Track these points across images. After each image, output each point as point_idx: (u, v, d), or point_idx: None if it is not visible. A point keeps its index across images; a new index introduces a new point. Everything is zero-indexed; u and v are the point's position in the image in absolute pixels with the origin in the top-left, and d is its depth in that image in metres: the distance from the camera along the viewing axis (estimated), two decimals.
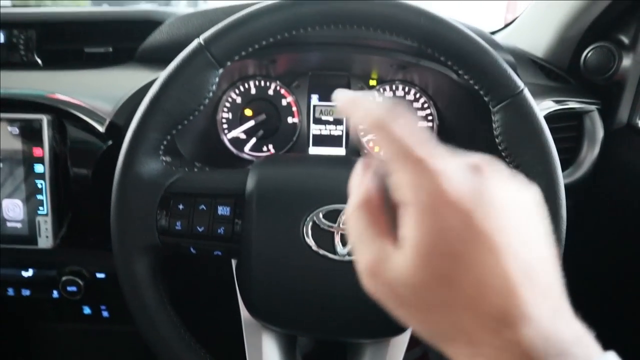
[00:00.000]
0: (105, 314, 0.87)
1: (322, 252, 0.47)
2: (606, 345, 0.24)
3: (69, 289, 0.73)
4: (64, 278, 0.74)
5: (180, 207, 0.49)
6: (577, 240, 0.79)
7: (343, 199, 0.48)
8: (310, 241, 0.47)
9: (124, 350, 0.99)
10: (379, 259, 0.26)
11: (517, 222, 0.25)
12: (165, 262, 0.52)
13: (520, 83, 0.49)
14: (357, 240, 0.28)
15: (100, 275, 0.75)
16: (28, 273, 0.76)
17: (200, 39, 0.48)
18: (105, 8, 0.74)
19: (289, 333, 0.54)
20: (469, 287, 0.23)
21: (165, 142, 0.49)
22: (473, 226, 0.24)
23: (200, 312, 0.55)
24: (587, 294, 0.89)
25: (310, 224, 0.47)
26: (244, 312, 0.53)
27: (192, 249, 0.50)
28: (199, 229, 0.49)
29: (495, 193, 0.25)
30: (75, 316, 0.88)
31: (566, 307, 0.25)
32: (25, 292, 0.77)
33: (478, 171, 0.26)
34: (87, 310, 0.88)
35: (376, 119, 0.27)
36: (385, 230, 0.27)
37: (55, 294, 0.76)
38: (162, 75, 0.48)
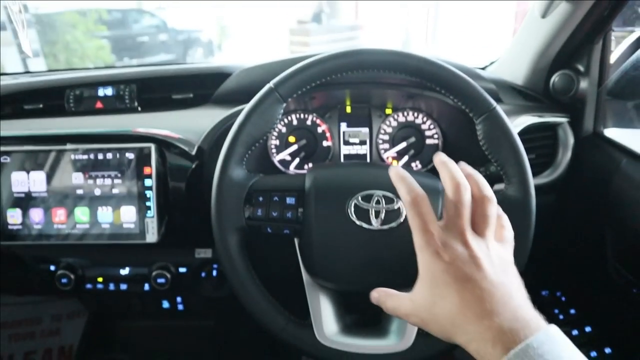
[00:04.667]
0: (180, 307, 1.07)
1: (360, 223, 0.65)
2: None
3: (159, 280, 0.92)
4: (154, 273, 0.92)
5: (260, 199, 0.68)
6: (557, 227, 0.97)
7: (373, 186, 0.67)
8: (353, 217, 0.65)
9: (195, 343, 1.17)
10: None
11: (499, 265, 0.45)
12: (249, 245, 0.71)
13: (492, 102, 0.67)
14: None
15: (182, 270, 0.95)
16: (125, 271, 0.95)
17: (271, 84, 0.69)
18: (185, 64, 0.97)
19: (340, 289, 0.72)
20: (466, 302, 0.42)
21: (247, 156, 0.70)
22: (468, 269, 0.43)
23: (273, 279, 0.74)
24: (561, 270, 1.06)
25: (353, 205, 0.66)
26: (305, 277, 0.70)
27: (268, 229, 0.69)
28: (273, 214, 0.68)
29: (489, 252, 0.46)
30: (156, 310, 1.07)
31: (526, 302, 0.43)
32: (123, 287, 0.95)
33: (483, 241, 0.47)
34: (165, 304, 1.07)
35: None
36: None
37: (146, 287, 0.95)
38: (246, 108, 0.69)
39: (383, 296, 0.52)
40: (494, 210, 0.49)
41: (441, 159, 0.51)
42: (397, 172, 0.51)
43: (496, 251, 0.47)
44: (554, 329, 0.40)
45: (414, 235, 0.47)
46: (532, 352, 0.37)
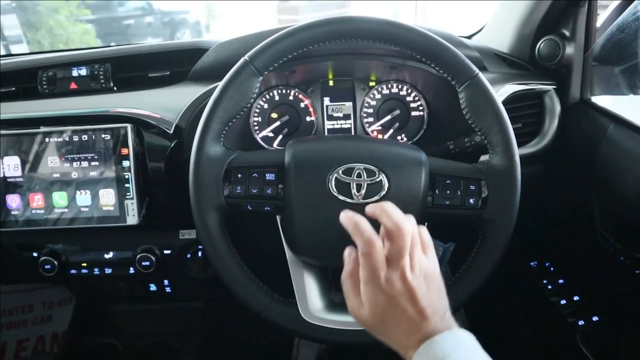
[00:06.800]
0: (168, 289, 1.06)
1: (342, 197, 0.64)
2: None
3: (144, 263, 0.91)
4: (138, 256, 0.91)
5: (239, 176, 0.67)
6: (545, 197, 0.96)
7: (354, 159, 0.66)
8: (334, 191, 0.64)
9: (184, 325, 1.17)
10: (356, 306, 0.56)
11: (425, 288, 0.53)
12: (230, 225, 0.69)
13: (475, 69, 0.66)
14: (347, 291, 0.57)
15: (167, 252, 0.94)
16: (109, 255, 0.94)
17: (246, 57, 0.67)
18: (160, 42, 0.94)
19: (323, 265, 0.71)
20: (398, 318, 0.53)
21: (224, 132, 0.68)
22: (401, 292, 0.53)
23: (255, 257, 0.73)
24: (549, 240, 1.06)
25: (334, 178, 0.65)
26: (289, 254, 0.70)
27: (249, 207, 0.68)
28: (253, 190, 0.67)
29: (420, 280, 0.53)
30: (144, 293, 1.07)
31: (444, 314, 0.53)
32: (108, 271, 0.94)
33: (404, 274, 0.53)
34: (153, 287, 1.06)
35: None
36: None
37: (131, 270, 0.94)
38: (221, 83, 0.67)
39: (346, 290, 0.58)
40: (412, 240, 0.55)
41: (382, 207, 0.55)
42: (349, 218, 0.55)
43: (425, 269, 0.55)
44: (463, 333, 0.51)
45: (361, 273, 0.54)
46: (435, 346, 0.49)
